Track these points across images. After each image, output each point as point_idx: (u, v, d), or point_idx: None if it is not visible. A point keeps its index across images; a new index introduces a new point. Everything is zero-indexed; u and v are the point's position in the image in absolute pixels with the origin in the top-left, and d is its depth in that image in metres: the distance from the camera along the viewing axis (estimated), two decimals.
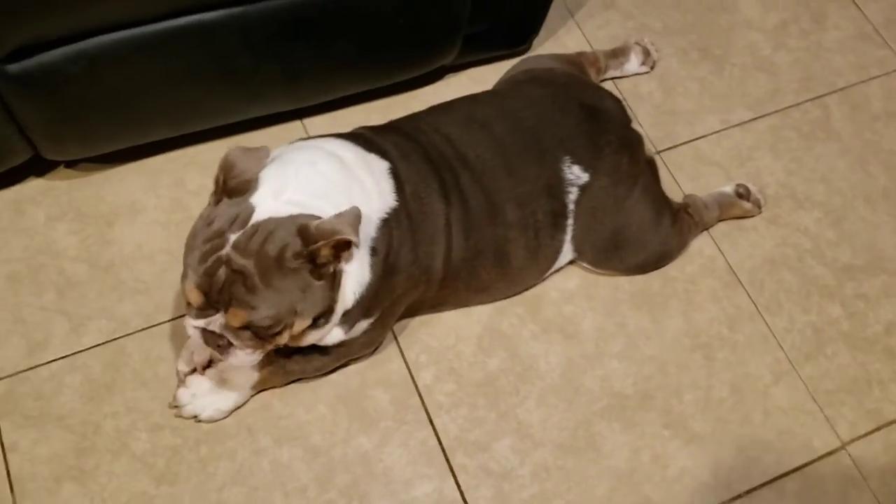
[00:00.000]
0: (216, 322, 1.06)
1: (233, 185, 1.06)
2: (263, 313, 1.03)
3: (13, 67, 1.13)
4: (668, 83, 1.68)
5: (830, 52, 1.75)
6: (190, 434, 1.26)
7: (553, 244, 1.31)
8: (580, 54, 1.60)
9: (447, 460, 1.27)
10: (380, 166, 1.17)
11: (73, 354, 1.30)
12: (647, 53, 1.66)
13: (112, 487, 1.21)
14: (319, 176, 1.10)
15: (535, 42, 1.69)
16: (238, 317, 1.04)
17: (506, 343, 1.37)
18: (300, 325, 1.09)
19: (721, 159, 1.59)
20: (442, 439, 1.28)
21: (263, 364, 1.24)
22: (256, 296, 1.02)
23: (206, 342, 1.09)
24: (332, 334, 1.18)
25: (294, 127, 1.54)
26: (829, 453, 1.33)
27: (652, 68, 1.68)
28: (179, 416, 1.25)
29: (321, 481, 1.24)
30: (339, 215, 1.04)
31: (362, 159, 1.16)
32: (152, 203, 1.45)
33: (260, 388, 1.26)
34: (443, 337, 1.36)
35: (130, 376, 1.29)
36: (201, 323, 1.06)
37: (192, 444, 1.25)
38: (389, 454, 1.27)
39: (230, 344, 1.08)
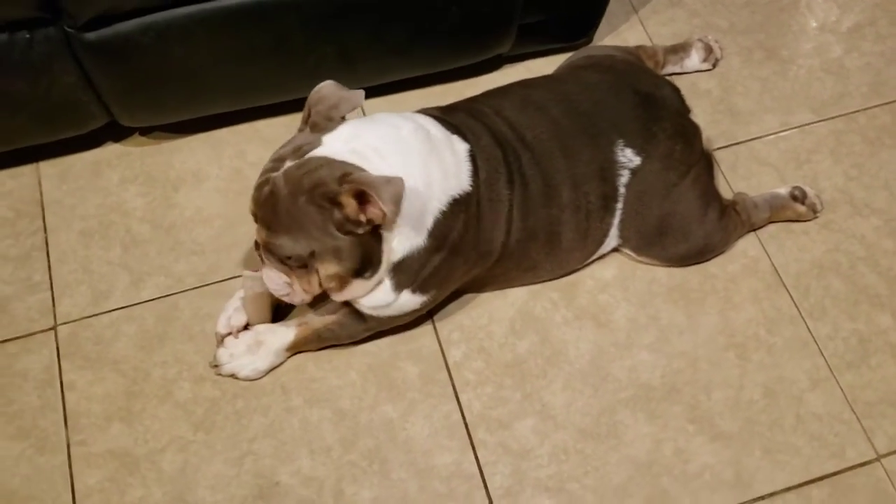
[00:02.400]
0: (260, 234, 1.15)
1: (315, 120, 1.14)
2: (279, 239, 1.11)
3: (91, 35, 1.24)
4: (728, 81, 1.66)
5: None
6: (229, 388, 1.34)
7: (602, 227, 1.33)
8: (639, 47, 1.60)
9: (468, 435, 1.30)
10: (461, 148, 1.21)
11: (131, 306, 1.41)
12: (709, 50, 1.65)
13: (155, 429, 1.31)
14: (398, 140, 1.14)
15: (596, 36, 1.70)
16: (260, 234, 1.13)
17: (537, 327, 1.39)
18: (325, 269, 1.14)
19: (777, 161, 1.56)
20: (465, 414, 1.32)
21: (299, 328, 1.31)
22: (277, 220, 1.10)
23: (258, 252, 1.19)
24: (379, 294, 1.22)
25: None
26: (863, 464, 1.29)
27: (714, 66, 1.66)
28: (219, 374, 1.33)
29: (346, 443, 1.30)
30: (382, 177, 1.06)
31: (447, 139, 1.20)
32: (215, 172, 1.54)
33: (294, 350, 1.33)
34: (476, 317, 1.40)
35: (180, 330, 1.39)
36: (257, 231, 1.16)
37: (229, 397, 1.33)
38: (413, 424, 1.31)
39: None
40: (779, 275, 1.45)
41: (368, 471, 1.28)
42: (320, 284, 1.18)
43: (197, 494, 1.26)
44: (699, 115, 1.61)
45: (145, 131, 1.57)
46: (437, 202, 1.16)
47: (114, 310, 1.41)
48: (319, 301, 1.28)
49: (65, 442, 1.30)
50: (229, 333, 1.33)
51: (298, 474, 1.27)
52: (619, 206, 1.31)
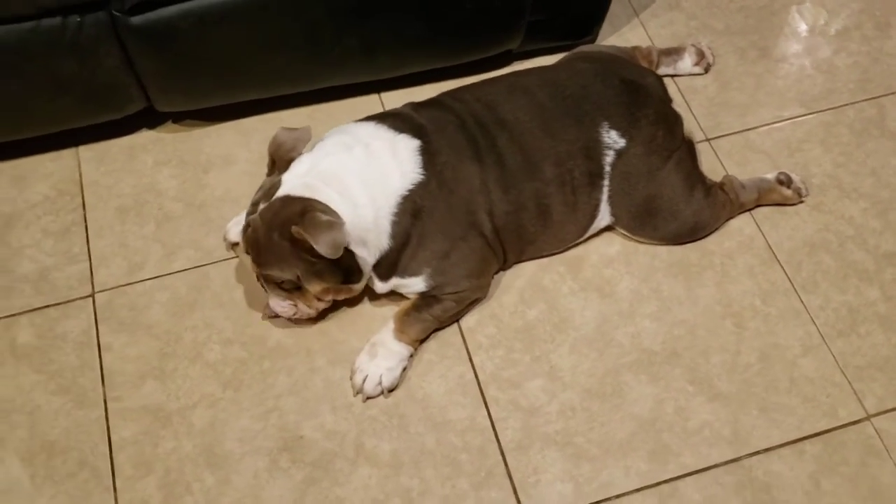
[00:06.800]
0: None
1: (279, 165, 1.31)
2: (268, 270, 1.29)
3: (136, 19, 1.35)
4: (723, 78, 1.77)
5: (891, 56, 1.80)
6: (256, 350, 1.42)
7: (590, 202, 1.43)
8: (635, 48, 1.71)
9: (481, 392, 1.39)
10: (408, 146, 1.33)
11: (164, 276, 1.50)
12: (701, 55, 1.75)
13: (186, 387, 1.39)
14: (338, 165, 1.29)
15: (600, 37, 1.82)
16: (254, 268, 1.29)
17: (546, 297, 1.48)
18: (313, 288, 1.30)
19: (770, 149, 1.66)
20: (478, 374, 1.40)
21: (394, 315, 1.40)
22: (262, 256, 1.27)
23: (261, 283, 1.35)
24: (411, 285, 1.36)
25: (372, 100, 1.72)
26: (853, 423, 1.36)
27: (706, 70, 1.76)
28: (369, 396, 1.36)
29: (366, 401, 1.38)
30: (326, 222, 1.21)
31: (389, 143, 1.33)
32: (244, 156, 1.64)
33: (405, 339, 1.37)
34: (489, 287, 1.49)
35: (210, 298, 1.48)
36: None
37: (257, 358, 1.42)
38: (430, 383, 1.40)
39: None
40: (773, 251, 1.54)
41: (388, 425, 1.35)
42: (318, 299, 1.34)
43: (225, 447, 1.34)
44: (696, 109, 1.72)
45: (177, 119, 1.68)
46: (386, 207, 1.30)
47: (147, 279, 1.50)
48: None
49: (102, 398, 1.38)
50: (236, 244, 1.44)
51: (321, 429, 1.35)
52: (606, 183, 1.41)
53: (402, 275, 1.35)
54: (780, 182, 1.57)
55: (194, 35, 1.40)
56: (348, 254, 1.28)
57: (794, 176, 1.58)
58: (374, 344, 1.38)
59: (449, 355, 1.42)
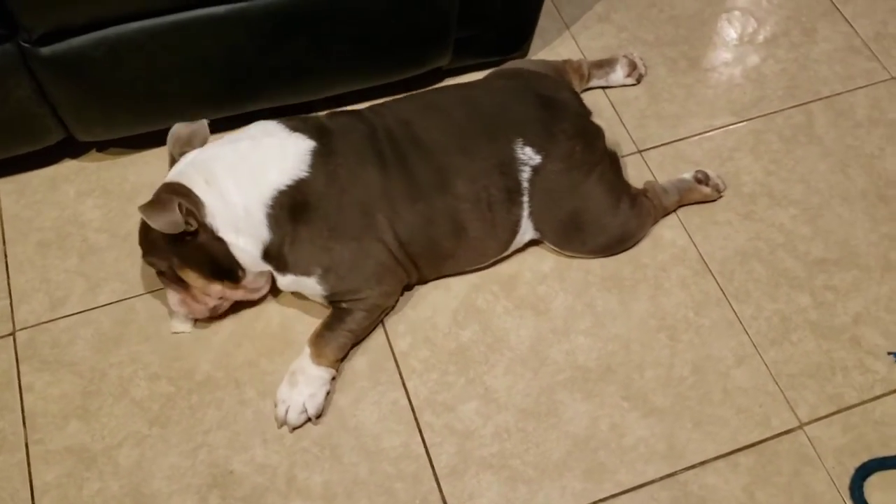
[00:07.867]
0: None
1: (176, 160, 1.34)
2: (147, 258, 1.34)
3: (45, 50, 1.31)
4: (654, 90, 1.77)
5: (818, 63, 1.82)
6: (184, 384, 1.39)
7: (510, 217, 1.41)
8: (565, 62, 1.71)
9: (415, 418, 1.37)
10: (299, 146, 1.33)
11: (88, 311, 1.46)
12: (633, 66, 1.76)
13: (111, 426, 1.35)
14: (213, 156, 1.32)
15: (531, 51, 1.81)
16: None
17: (479, 317, 1.47)
18: (189, 278, 1.33)
19: (701, 159, 1.67)
20: (412, 400, 1.38)
21: (309, 340, 1.37)
22: (141, 243, 1.34)
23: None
24: (308, 285, 1.35)
25: None
26: (787, 432, 1.37)
27: (638, 81, 1.77)
28: (294, 426, 1.34)
29: (298, 432, 1.35)
30: (161, 201, 1.24)
31: (279, 141, 1.34)
32: None
33: (324, 362, 1.35)
34: (421, 310, 1.47)
35: (136, 331, 1.44)
36: None
37: (184, 392, 1.38)
38: (362, 411, 1.37)
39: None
40: (705, 262, 1.54)
41: (320, 456, 1.33)
42: (206, 294, 1.36)
43: (153, 486, 1.30)
44: (628, 122, 1.72)
45: (101, 147, 1.64)
46: (258, 197, 1.30)
47: (71, 315, 1.45)
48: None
49: (23, 441, 1.33)
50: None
51: (252, 462, 1.32)
52: (525, 199, 1.40)
53: (295, 271, 1.34)
54: (699, 181, 1.58)
55: (108, 64, 1.37)
56: (218, 243, 1.29)
57: (710, 173, 1.60)
58: (293, 372, 1.35)
59: (382, 381, 1.40)
